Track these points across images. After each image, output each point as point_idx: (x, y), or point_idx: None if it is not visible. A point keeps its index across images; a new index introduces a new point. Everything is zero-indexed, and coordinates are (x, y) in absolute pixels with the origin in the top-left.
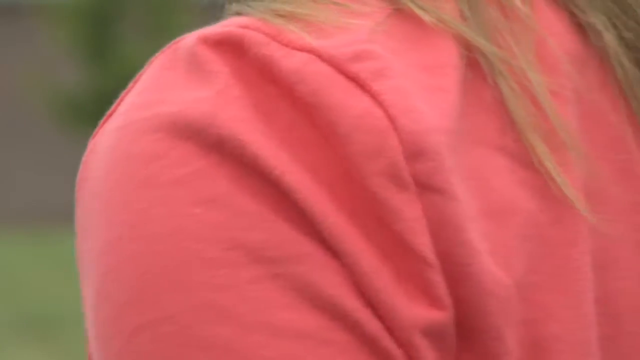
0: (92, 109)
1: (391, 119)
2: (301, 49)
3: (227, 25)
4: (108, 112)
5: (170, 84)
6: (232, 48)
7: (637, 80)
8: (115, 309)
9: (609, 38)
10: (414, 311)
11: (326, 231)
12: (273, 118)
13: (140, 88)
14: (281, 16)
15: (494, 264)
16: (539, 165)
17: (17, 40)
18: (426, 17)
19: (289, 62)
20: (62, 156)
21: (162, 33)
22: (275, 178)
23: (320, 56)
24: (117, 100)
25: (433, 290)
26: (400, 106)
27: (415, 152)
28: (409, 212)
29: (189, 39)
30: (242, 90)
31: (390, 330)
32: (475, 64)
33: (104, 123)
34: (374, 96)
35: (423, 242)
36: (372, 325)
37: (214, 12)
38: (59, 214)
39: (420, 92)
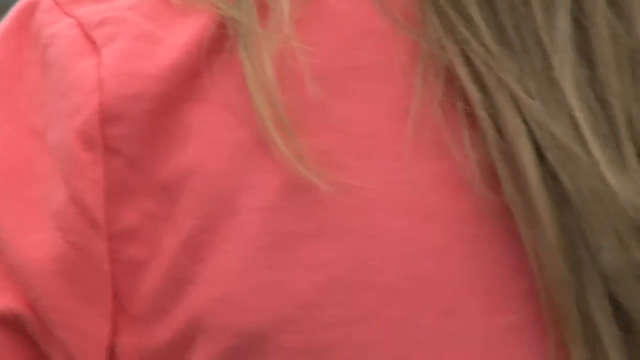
0: None
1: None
2: (70, 15)
3: None
4: None
5: None
6: (27, 14)
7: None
8: None
9: None
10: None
11: None
12: (20, 82)
13: None
14: None
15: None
16: (261, 125)
17: None
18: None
19: (53, 27)
20: None
21: None
22: None
23: (78, 21)
24: None
25: None
26: (114, 69)
27: (112, 116)
28: (93, 172)
29: None
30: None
31: None
32: (225, 32)
33: None
34: (99, 58)
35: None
36: None
37: None
38: None
39: (149, 55)
